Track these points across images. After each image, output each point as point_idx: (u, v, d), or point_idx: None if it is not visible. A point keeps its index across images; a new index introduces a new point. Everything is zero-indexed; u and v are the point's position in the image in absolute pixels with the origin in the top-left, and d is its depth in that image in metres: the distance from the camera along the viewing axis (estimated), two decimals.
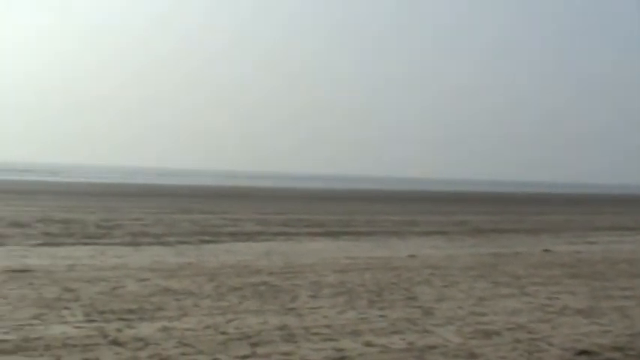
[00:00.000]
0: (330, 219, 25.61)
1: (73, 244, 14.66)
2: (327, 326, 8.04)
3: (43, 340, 7.01)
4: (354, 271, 12.16)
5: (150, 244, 15.43)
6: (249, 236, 18.03)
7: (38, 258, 12.41)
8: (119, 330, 7.53)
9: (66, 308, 8.42)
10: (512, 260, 14.76)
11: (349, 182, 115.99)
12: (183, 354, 6.70)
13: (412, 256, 14.81)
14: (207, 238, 17.22)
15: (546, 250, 17.01)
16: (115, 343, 7.01)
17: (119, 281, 10.26)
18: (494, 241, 19.54)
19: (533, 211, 39.54)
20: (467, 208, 41.40)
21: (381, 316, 8.72)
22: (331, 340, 7.43)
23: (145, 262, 12.34)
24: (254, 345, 7.08)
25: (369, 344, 7.31)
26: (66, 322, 7.78)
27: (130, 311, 8.42)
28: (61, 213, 23.17)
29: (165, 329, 7.64)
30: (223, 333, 7.59)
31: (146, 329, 7.62)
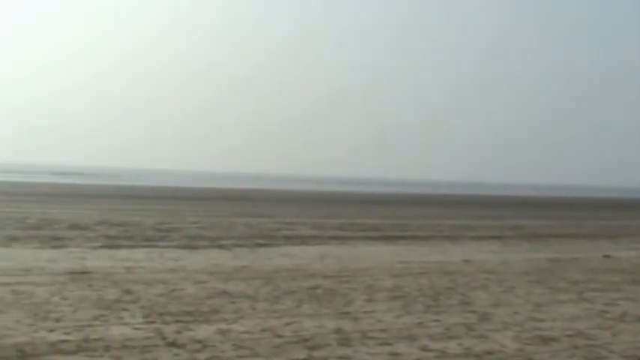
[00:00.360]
0: (385, 223, 25.54)
1: (132, 247, 14.88)
2: (383, 330, 8.02)
3: (103, 341, 7.13)
4: (409, 276, 12.10)
5: (206, 247, 15.57)
6: (303, 240, 18.06)
7: (98, 260, 12.63)
8: (177, 332, 7.62)
9: (125, 310, 8.56)
10: (570, 266, 14.52)
11: (404, 186, 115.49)
12: (240, 357, 6.74)
13: (467, 261, 14.67)
14: (262, 241, 17.32)
15: (606, 256, 16.68)
16: (174, 344, 7.10)
17: (177, 284, 10.38)
18: (550, 246, 19.24)
19: (591, 216, 38.82)
20: (522, 212, 40.85)
21: (437, 320, 8.66)
22: (387, 344, 7.40)
23: (201, 265, 12.47)
24: (310, 348, 7.09)
25: (425, 349, 7.26)
26: (125, 324, 7.91)
27: (188, 313, 8.52)
28: (120, 216, 23.56)
29: (222, 332, 7.70)
30: (279, 336, 7.61)
31: (204, 331, 7.69)
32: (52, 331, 7.47)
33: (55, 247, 13.98)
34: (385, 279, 11.63)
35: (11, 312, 8.16)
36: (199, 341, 7.23)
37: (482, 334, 8.01)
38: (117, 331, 7.55)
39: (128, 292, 9.59)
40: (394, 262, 13.91)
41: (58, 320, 7.91)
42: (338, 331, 7.92)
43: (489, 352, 7.20)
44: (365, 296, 10.00)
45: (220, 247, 15.69)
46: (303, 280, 11.23)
